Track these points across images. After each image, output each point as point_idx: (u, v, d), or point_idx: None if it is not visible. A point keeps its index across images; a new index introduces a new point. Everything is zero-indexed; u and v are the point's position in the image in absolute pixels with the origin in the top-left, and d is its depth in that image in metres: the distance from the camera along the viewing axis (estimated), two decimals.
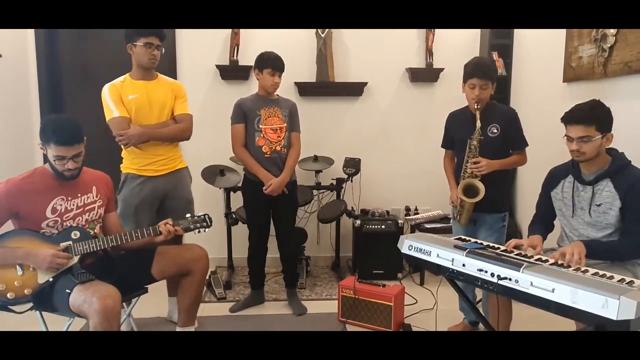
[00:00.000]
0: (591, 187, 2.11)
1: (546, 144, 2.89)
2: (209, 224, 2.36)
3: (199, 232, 2.34)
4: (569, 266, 1.86)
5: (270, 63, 2.89)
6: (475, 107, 2.46)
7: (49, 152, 2.10)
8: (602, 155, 2.09)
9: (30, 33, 3.66)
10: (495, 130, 2.51)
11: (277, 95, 3.04)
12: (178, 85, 2.77)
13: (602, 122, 2.04)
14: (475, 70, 2.46)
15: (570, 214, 2.19)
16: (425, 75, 3.91)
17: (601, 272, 1.77)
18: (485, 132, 2.50)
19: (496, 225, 2.57)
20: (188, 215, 2.35)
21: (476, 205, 2.51)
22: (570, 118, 2.08)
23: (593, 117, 2.03)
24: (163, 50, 2.64)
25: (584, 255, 1.91)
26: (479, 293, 2.79)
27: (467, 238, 2.32)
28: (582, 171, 2.15)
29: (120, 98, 2.56)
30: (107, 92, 2.58)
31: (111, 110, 2.55)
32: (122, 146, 2.63)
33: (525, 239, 2.23)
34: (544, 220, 2.34)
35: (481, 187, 2.44)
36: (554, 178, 2.29)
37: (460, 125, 2.61)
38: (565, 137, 2.11)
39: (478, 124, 2.45)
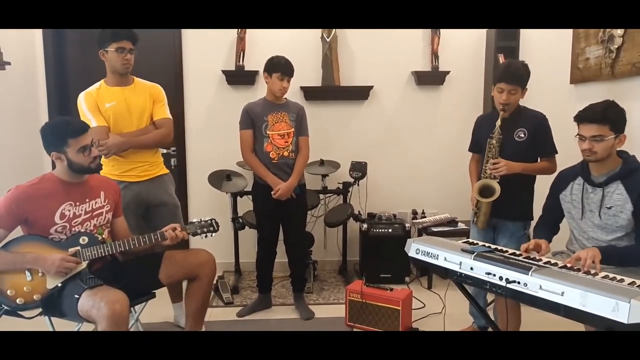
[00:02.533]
0: (601, 189, 2.08)
1: (558, 144, 2.88)
2: (216, 228, 2.36)
3: (205, 236, 2.35)
4: (579, 269, 1.84)
5: (280, 68, 2.89)
6: (501, 110, 2.41)
7: (69, 153, 2.11)
8: (612, 157, 2.07)
9: (38, 40, 3.70)
10: (522, 135, 2.45)
11: (286, 99, 3.05)
12: (156, 88, 2.69)
13: (615, 122, 2.02)
14: (503, 74, 2.41)
15: (579, 216, 2.17)
16: (431, 78, 3.90)
17: (611, 275, 1.75)
18: (512, 136, 2.45)
19: (517, 234, 2.50)
20: (195, 219, 2.36)
21: (498, 211, 2.47)
22: (584, 117, 2.05)
23: (607, 116, 2.01)
24: (136, 53, 2.57)
25: (599, 260, 1.88)
26: (490, 296, 2.76)
27: (475, 241, 2.31)
28: (592, 173, 2.13)
29: (97, 106, 2.51)
30: (83, 101, 2.53)
31: (88, 119, 2.48)
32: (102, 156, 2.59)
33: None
34: (549, 222, 2.32)
35: (497, 187, 2.39)
36: (562, 180, 2.27)
37: (487, 128, 2.52)
38: (578, 137, 2.08)
39: (498, 122, 2.41)
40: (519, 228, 2.51)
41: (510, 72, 2.40)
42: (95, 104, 2.52)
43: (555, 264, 1.90)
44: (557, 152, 2.50)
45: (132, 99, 2.59)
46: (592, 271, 1.82)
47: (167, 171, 2.81)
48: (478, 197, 2.46)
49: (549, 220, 2.33)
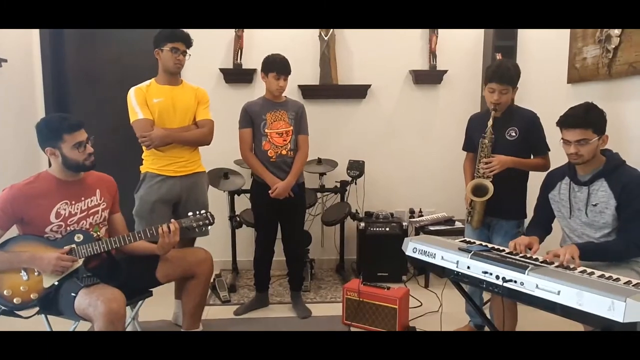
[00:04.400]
0: (587, 187, 2.12)
1: (550, 144, 2.87)
2: (212, 221, 2.36)
3: (202, 229, 2.35)
4: (575, 268, 1.85)
5: (276, 67, 2.88)
6: (493, 109, 2.44)
7: (63, 148, 2.11)
8: (597, 156, 2.11)
9: (35, 37, 3.68)
10: (514, 134, 2.47)
11: (285, 97, 3.04)
12: (201, 91, 2.82)
13: (597, 125, 2.06)
14: (494, 74, 2.42)
15: (568, 215, 2.20)
16: (428, 77, 3.90)
17: (607, 274, 1.76)
18: (503, 135, 2.47)
19: (512, 232, 2.51)
20: (190, 213, 2.35)
21: (492, 210, 2.49)
22: (567, 122, 2.09)
23: (589, 120, 2.04)
24: (189, 55, 2.70)
25: (578, 256, 1.92)
26: (486, 295, 2.77)
27: (472, 240, 2.32)
28: (578, 172, 2.17)
29: (145, 101, 2.62)
30: (133, 95, 2.63)
31: (136, 112, 2.60)
32: (144, 148, 2.68)
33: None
34: (541, 222, 2.34)
35: (490, 186, 2.41)
36: (551, 180, 2.30)
37: (480, 127, 2.54)
38: (562, 141, 2.12)
39: (490, 122, 2.44)
40: (512, 226, 2.53)
41: (501, 72, 2.42)
42: (144, 98, 2.62)
43: (552, 263, 1.91)
44: (549, 150, 2.52)
45: (179, 98, 2.69)
46: (572, 266, 1.85)
47: (204, 169, 2.90)
48: (472, 197, 2.47)
49: (541, 220, 2.35)
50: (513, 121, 2.48)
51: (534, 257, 2.02)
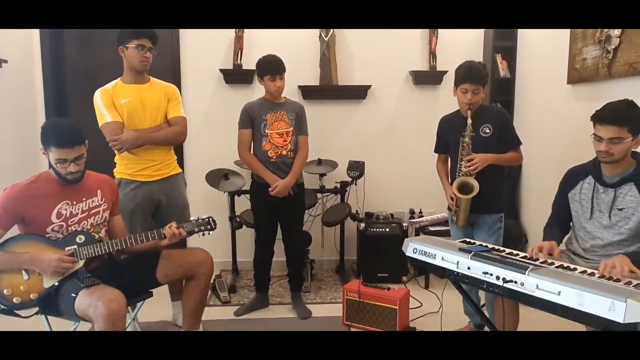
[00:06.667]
0: (613, 190, 2.05)
1: (551, 145, 2.88)
2: (213, 226, 2.36)
3: (203, 234, 2.34)
4: (575, 269, 1.84)
5: (269, 69, 2.88)
6: (467, 109, 2.49)
7: (50, 156, 2.10)
8: (627, 157, 2.03)
9: (35, 38, 3.68)
10: (488, 131, 2.53)
11: (285, 97, 3.04)
12: (171, 87, 2.73)
13: (635, 124, 1.96)
14: (467, 75, 2.47)
15: (587, 217, 2.13)
16: (428, 77, 3.90)
17: (607, 275, 1.76)
18: (477, 132, 2.52)
19: (495, 226, 2.58)
20: (192, 218, 2.36)
21: (474, 206, 2.52)
22: (603, 117, 1.98)
23: (627, 118, 1.94)
24: (155, 52, 2.62)
25: (632, 267, 1.78)
26: (482, 296, 2.77)
27: (472, 241, 2.32)
28: (604, 173, 2.09)
29: (112, 103, 2.53)
30: (99, 97, 2.55)
31: (103, 115, 2.52)
32: (115, 151, 2.61)
33: (538, 242, 2.18)
34: (560, 222, 2.28)
35: (475, 184, 2.46)
36: (572, 178, 2.23)
37: (454, 128, 2.61)
38: (593, 136, 2.03)
39: (469, 121, 2.48)
40: (495, 220, 2.58)
41: (474, 73, 2.48)
42: (110, 100, 2.54)
43: (552, 264, 1.90)
44: (521, 143, 2.59)
45: (147, 97, 2.61)
46: (635, 282, 1.70)
47: (180, 170, 2.82)
48: (459, 195, 2.51)
49: (560, 219, 2.28)
50: (486, 118, 2.54)
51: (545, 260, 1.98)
